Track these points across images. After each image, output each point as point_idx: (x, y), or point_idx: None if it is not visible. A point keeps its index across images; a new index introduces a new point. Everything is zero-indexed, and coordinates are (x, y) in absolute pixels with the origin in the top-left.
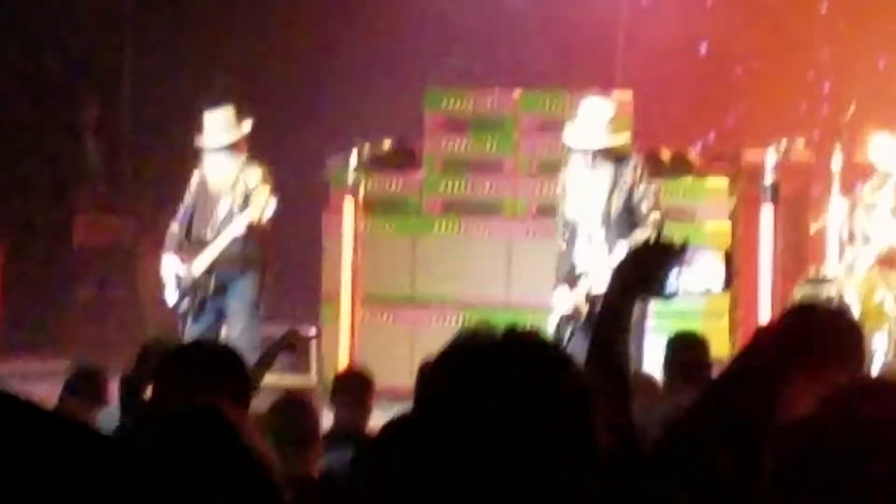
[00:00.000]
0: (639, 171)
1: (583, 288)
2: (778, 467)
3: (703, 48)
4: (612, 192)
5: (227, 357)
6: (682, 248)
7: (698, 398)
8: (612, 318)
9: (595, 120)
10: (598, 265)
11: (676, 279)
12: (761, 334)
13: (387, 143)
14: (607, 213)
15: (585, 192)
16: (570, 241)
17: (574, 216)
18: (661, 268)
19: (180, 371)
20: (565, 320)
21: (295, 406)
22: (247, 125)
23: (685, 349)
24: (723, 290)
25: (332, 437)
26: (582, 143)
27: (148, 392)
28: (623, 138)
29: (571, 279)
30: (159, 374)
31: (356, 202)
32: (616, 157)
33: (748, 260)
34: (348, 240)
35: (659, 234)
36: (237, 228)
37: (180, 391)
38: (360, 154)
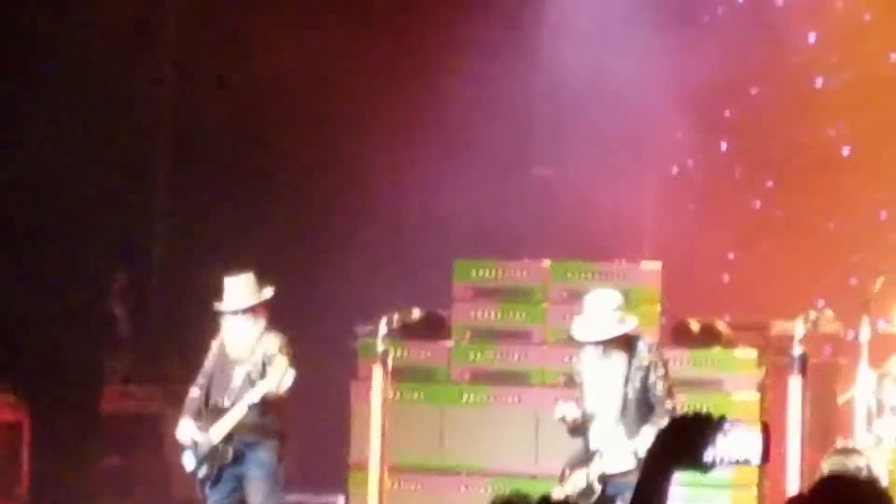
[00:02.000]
0: (654, 354)
1: (596, 467)
2: None
3: (731, 220)
4: (627, 379)
5: None
6: (720, 421)
7: None
8: (650, 489)
9: (601, 310)
10: (614, 446)
11: (714, 451)
12: None
13: (416, 313)
14: (623, 403)
15: (600, 382)
16: (585, 423)
17: (590, 406)
18: (699, 439)
19: None
20: (577, 498)
21: None
22: (268, 291)
23: None
24: (761, 463)
25: None
26: (590, 335)
27: None
28: (631, 324)
29: (585, 458)
30: None
31: (385, 370)
32: (627, 343)
33: (776, 430)
34: (377, 408)
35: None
36: (253, 397)
37: None
38: (388, 323)
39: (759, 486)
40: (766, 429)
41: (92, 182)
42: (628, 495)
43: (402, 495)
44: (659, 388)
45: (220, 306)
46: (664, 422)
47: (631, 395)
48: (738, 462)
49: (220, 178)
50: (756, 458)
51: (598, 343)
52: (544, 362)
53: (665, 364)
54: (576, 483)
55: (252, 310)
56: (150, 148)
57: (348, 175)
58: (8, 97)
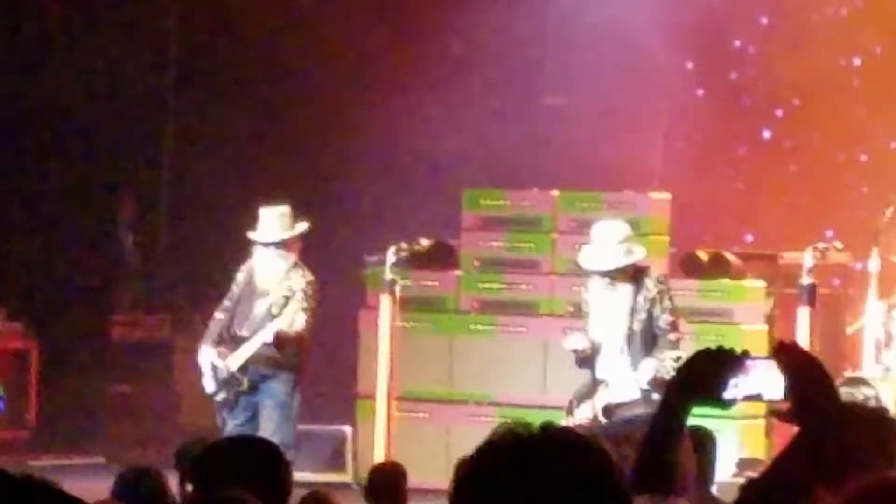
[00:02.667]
0: (660, 287)
1: (601, 397)
2: None
3: (741, 150)
4: (632, 311)
5: (264, 455)
6: (741, 356)
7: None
8: (666, 419)
9: (608, 241)
10: (619, 376)
11: (736, 388)
12: (800, 438)
13: (424, 242)
14: (629, 333)
15: (607, 313)
16: (592, 356)
17: (597, 336)
18: (719, 373)
19: (218, 467)
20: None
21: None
22: (301, 226)
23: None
24: (783, 399)
25: None
26: (595, 264)
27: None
28: (638, 255)
29: (590, 390)
30: (199, 470)
31: (393, 300)
32: (634, 274)
33: None
34: (385, 337)
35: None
36: (266, 335)
37: (218, 487)
38: (397, 252)
39: (767, 416)
40: (781, 349)
41: (101, 110)
42: (632, 427)
43: (410, 425)
44: (663, 320)
45: (254, 236)
46: (667, 355)
47: (636, 327)
48: (760, 399)
49: (229, 110)
50: (778, 395)
51: (604, 273)
52: (552, 292)
53: (671, 297)
54: (582, 414)
55: (284, 244)
56: (158, 79)
57: (361, 105)
58: (27, 27)
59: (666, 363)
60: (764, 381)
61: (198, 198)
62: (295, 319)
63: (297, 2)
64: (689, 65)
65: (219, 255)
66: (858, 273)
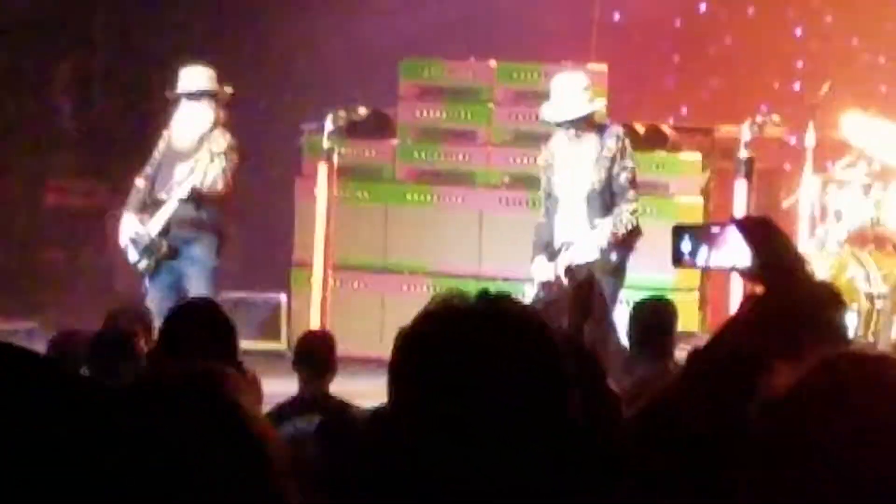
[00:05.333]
0: (621, 143)
1: (562, 259)
2: (760, 443)
3: (677, 23)
4: (595, 165)
5: (223, 323)
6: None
7: (679, 377)
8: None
9: (569, 91)
10: (578, 238)
11: (704, 255)
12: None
13: (362, 111)
14: (592, 187)
15: (571, 165)
16: (551, 214)
17: (558, 190)
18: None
19: (180, 333)
20: (543, 289)
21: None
22: (227, 89)
23: (651, 314)
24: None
25: (298, 403)
26: (560, 115)
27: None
28: (600, 104)
29: (550, 251)
30: (160, 335)
31: (330, 168)
32: (599, 127)
33: None
34: (322, 206)
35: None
36: (182, 192)
37: (178, 353)
38: (334, 120)
39: (701, 289)
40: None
41: None
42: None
43: (344, 294)
44: (623, 178)
45: (175, 90)
46: (623, 208)
47: (597, 181)
48: (727, 267)
49: None
50: (746, 262)
51: (571, 123)
52: (489, 163)
53: (632, 155)
54: (542, 273)
55: (205, 97)
56: None
57: None
58: None
59: (623, 216)
60: (732, 249)
61: (135, 64)
62: (208, 174)
63: None
64: None
65: (157, 123)
66: (793, 147)
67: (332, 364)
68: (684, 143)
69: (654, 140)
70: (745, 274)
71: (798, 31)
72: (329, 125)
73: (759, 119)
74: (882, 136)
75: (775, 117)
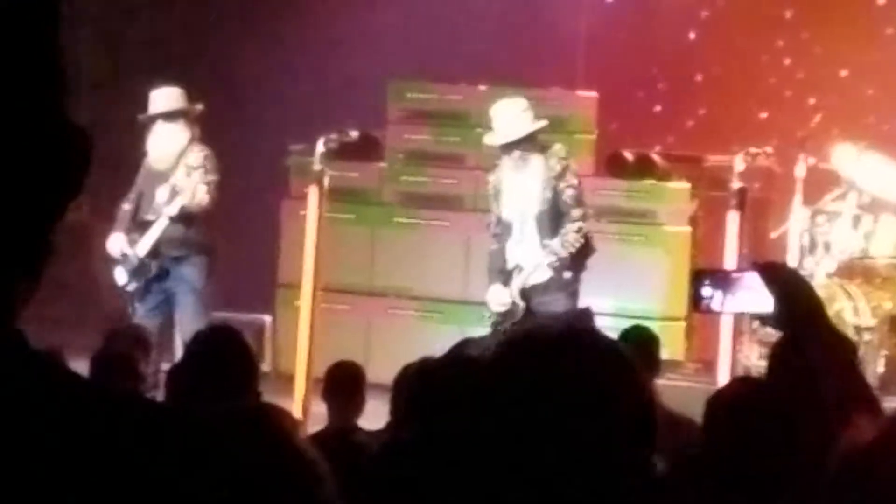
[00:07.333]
0: (564, 162)
1: (516, 283)
2: (840, 493)
3: (667, 51)
4: (543, 183)
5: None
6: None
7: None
8: None
9: (511, 114)
10: (531, 259)
11: (724, 300)
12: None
13: (354, 134)
14: (540, 207)
15: (519, 189)
16: (503, 240)
17: (508, 215)
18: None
19: (205, 357)
20: (502, 317)
21: None
22: (198, 106)
23: (636, 345)
24: (772, 312)
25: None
26: (503, 137)
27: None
28: (543, 122)
29: (504, 276)
30: (185, 357)
31: (321, 191)
32: (542, 147)
33: (709, 265)
34: (311, 228)
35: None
36: (171, 210)
37: (201, 377)
38: (326, 143)
39: (688, 318)
40: (767, 265)
41: None
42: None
43: (330, 316)
44: (567, 196)
45: (146, 113)
46: (568, 228)
47: (545, 206)
48: (750, 312)
49: None
50: (768, 307)
51: (515, 144)
52: (477, 187)
53: (575, 173)
54: (498, 299)
55: (178, 116)
56: None
57: None
58: None
59: (569, 236)
60: (753, 294)
61: (117, 79)
62: (196, 192)
63: None
64: None
65: (140, 138)
66: (782, 178)
67: (361, 397)
68: (673, 171)
69: (643, 168)
70: (766, 320)
71: (787, 61)
72: (320, 147)
73: (753, 150)
74: (872, 168)
75: (769, 149)
